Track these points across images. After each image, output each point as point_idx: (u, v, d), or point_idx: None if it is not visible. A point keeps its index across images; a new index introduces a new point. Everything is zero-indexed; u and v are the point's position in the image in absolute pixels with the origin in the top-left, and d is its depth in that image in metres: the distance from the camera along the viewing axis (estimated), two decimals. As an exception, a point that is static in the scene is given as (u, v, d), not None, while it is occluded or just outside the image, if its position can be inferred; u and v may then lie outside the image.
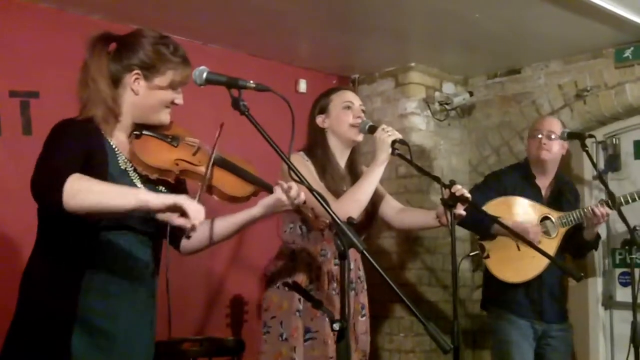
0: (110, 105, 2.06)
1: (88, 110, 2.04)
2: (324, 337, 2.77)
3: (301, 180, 2.01)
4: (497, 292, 3.57)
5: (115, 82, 2.08)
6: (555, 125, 3.60)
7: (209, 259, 3.94)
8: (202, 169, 2.11)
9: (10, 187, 3.17)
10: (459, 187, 2.62)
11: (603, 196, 3.62)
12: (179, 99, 2.15)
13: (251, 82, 2.02)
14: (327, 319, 2.76)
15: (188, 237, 2.01)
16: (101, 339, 1.98)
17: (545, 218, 3.54)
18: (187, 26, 3.82)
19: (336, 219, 1.90)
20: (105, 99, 2.05)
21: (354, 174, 2.99)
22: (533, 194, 3.60)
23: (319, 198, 1.96)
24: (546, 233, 3.51)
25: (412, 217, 3.09)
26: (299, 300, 2.79)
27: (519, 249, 3.47)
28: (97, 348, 1.98)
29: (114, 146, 2.06)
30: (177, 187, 2.18)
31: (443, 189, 2.60)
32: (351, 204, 2.75)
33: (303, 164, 2.86)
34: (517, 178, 3.64)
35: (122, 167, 2.04)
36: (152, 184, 2.09)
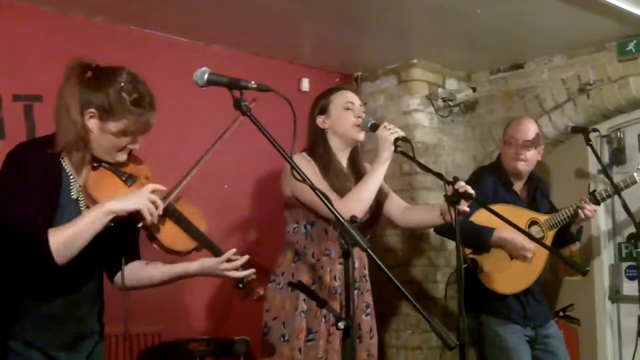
0: (81, 134, 2.06)
1: (60, 136, 2.06)
2: (319, 337, 2.77)
3: (304, 180, 2.01)
4: (488, 300, 3.43)
5: (82, 112, 2.07)
6: (530, 133, 3.52)
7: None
8: None
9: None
10: (462, 183, 2.61)
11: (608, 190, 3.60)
12: (133, 145, 2.13)
13: (252, 82, 2.02)
14: (323, 319, 2.77)
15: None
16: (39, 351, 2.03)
17: (532, 223, 3.49)
18: (188, 27, 3.83)
19: (340, 218, 1.90)
20: (76, 127, 2.05)
21: (357, 172, 2.99)
22: (512, 198, 3.55)
23: (322, 197, 1.96)
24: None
25: (416, 215, 3.09)
26: (304, 300, 2.80)
27: (511, 259, 3.42)
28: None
29: (69, 174, 2.07)
30: (126, 222, 2.14)
31: (446, 185, 2.59)
32: (355, 203, 2.76)
33: (306, 163, 2.86)
34: (496, 183, 3.56)
35: (73, 196, 2.07)
36: None
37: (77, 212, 2.06)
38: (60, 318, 2.07)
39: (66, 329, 2.09)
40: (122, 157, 2.14)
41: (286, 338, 2.80)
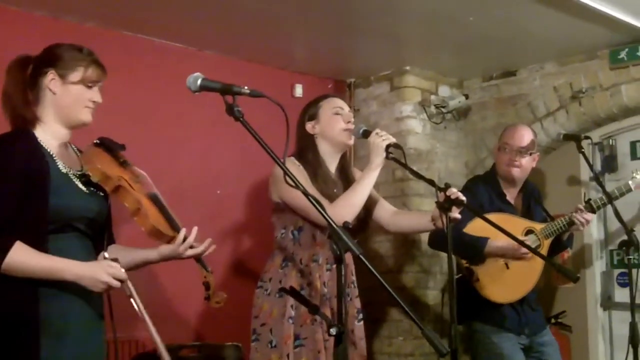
0: (24, 115, 2.19)
1: (14, 123, 2.21)
2: (312, 344, 2.77)
3: (296, 185, 2.02)
4: (482, 308, 3.44)
5: (34, 92, 2.21)
6: (526, 140, 3.53)
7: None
8: (136, 194, 2.21)
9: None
10: (454, 190, 2.62)
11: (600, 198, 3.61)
12: (96, 97, 2.25)
13: (245, 88, 2.04)
14: (313, 325, 2.77)
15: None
16: (57, 340, 2.08)
17: (528, 232, 3.50)
18: (181, 32, 3.83)
19: (332, 223, 1.90)
20: (19, 110, 2.19)
21: (345, 178, 3.00)
22: (507, 208, 3.57)
23: (314, 203, 1.96)
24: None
25: (407, 220, 3.10)
26: (291, 306, 2.79)
27: (507, 268, 3.43)
28: (59, 350, 2.07)
29: (51, 153, 2.18)
30: (106, 200, 2.30)
31: (438, 192, 2.60)
32: (346, 208, 2.76)
33: (296, 168, 2.86)
34: (490, 193, 3.57)
35: (63, 171, 2.18)
36: (91, 187, 2.22)
37: (70, 183, 2.18)
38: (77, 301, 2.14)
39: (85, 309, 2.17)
40: (88, 116, 2.24)
41: (274, 344, 2.79)
